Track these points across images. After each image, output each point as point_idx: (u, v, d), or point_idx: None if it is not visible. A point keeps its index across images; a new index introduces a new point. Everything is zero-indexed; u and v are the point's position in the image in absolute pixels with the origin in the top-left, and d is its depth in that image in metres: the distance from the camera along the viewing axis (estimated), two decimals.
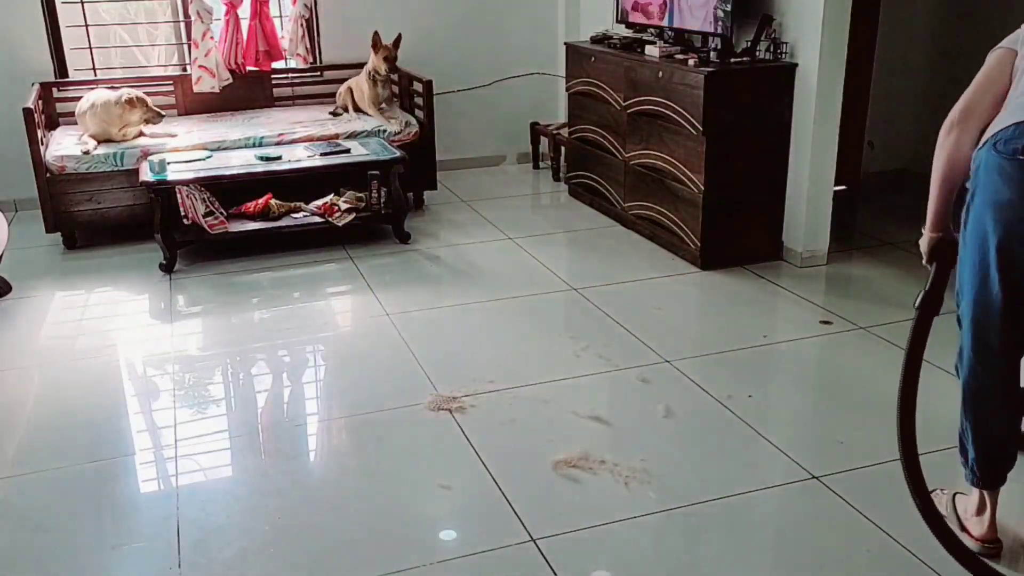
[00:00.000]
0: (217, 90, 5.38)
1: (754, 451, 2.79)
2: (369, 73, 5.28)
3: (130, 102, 4.78)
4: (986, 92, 2.16)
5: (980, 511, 2.30)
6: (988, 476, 2.26)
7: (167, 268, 4.37)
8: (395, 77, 5.38)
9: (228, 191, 4.65)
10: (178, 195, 4.46)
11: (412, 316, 3.83)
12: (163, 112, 4.93)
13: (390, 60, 5.22)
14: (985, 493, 2.28)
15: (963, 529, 2.33)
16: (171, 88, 5.44)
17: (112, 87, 5.16)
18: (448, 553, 2.35)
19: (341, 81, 5.63)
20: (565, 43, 5.46)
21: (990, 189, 2.04)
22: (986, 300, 2.10)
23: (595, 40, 5.15)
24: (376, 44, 5.23)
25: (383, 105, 5.31)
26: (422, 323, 3.77)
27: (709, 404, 3.07)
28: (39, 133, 4.57)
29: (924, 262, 2.28)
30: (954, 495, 2.42)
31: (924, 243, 2.27)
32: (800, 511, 2.51)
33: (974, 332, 2.16)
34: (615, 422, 2.97)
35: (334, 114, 5.43)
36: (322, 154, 4.74)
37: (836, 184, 4.26)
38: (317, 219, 4.67)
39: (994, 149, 2.03)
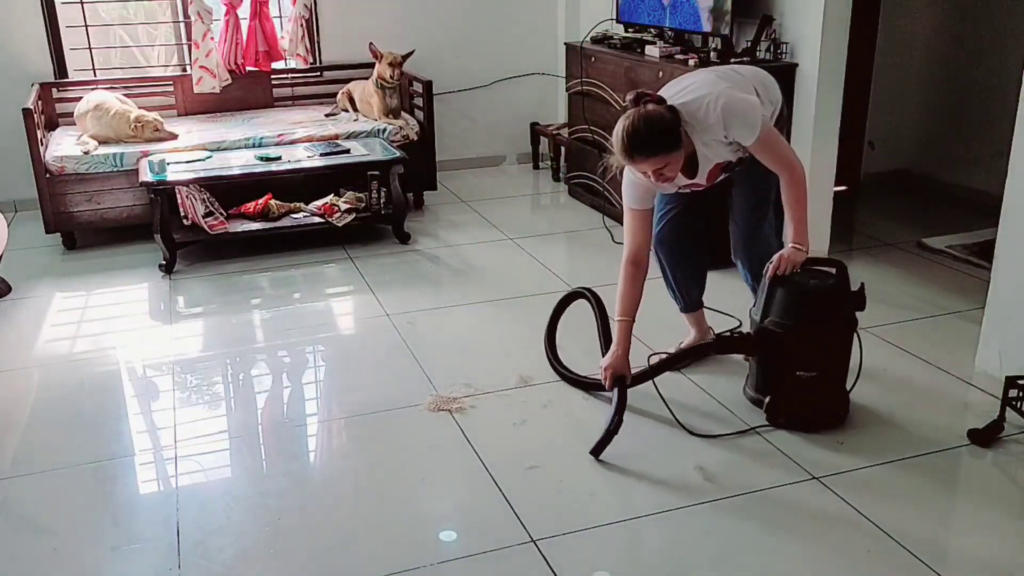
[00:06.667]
0: (217, 90, 5.38)
1: (753, 451, 2.78)
2: (376, 82, 5.26)
3: (140, 127, 4.79)
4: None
5: None
6: None
7: (167, 268, 4.37)
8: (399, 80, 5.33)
9: (228, 191, 4.65)
10: (178, 195, 4.46)
11: (412, 316, 3.83)
12: (176, 133, 4.89)
13: (395, 66, 5.20)
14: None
15: None
16: (171, 88, 5.44)
17: (112, 88, 5.18)
18: (448, 553, 2.35)
19: (341, 81, 5.63)
20: (565, 43, 5.46)
21: None
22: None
23: (595, 40, 5.15)
24: (377, 53, 5.22)
25: (390, 116, 5.28)
26: (422, 323, 3.77)
27: (708, 403, 3.07)
28: (39, 134, 4.57)
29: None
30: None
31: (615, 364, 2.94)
32: (800, 511, 2.51)
33: None
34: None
35: (329, 115, 5.42)
36: (322, 154, 4.74)
37: (836, 184, 4.26)
38: (317, 219, 4.67)
39: None
